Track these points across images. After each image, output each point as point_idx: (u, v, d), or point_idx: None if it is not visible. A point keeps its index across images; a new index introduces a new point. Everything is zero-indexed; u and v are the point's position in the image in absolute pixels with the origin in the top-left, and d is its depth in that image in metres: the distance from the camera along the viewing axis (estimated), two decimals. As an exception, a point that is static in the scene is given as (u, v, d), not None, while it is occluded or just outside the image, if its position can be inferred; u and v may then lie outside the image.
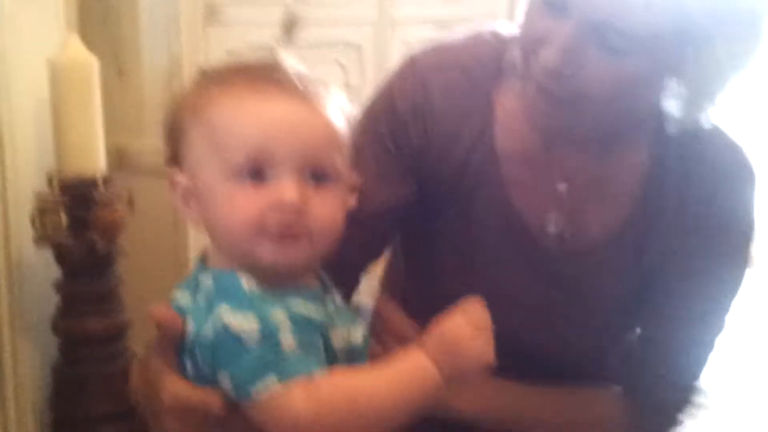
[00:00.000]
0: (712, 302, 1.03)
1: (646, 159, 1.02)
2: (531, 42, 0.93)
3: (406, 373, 0.81)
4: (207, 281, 0.83)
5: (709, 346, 1.07)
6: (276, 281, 0.83)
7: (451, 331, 0.81)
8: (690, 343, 1.05)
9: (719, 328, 1.06)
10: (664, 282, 1.02)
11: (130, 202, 1.93)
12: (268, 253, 0.83)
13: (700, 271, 1.01)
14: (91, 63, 1.75)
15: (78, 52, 1.74)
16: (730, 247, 1.02)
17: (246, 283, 0.81)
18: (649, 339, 1.06)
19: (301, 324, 0.80)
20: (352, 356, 0.86)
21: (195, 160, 0.86)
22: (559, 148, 1.01)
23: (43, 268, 1.85)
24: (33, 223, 1.78)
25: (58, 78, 1.73)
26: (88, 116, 1.75)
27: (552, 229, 1.02)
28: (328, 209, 0.85)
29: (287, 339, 0.78)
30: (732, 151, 1.02)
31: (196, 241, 2.03)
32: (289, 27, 0.88)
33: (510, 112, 1.02)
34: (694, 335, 1.04)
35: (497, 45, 1.04)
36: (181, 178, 0.87)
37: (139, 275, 1.98)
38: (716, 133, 1.02)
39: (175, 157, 0.88)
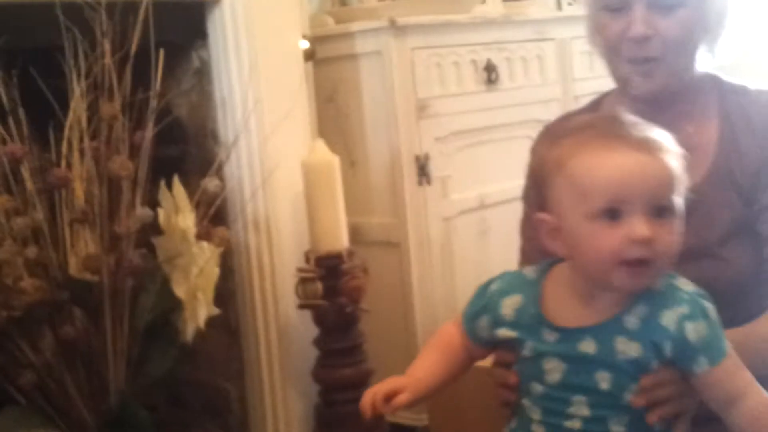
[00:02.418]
0: None
1: (717, 116, 1.30)
2: (615, 38, 1.26)
3: None
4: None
5: None
6: None
7: None
8: None
9: None
10: (762, 189, 1.25)
11: (366, 271, 2.26)
12: (623, 279, 0.97)
13: None
14: (333, 162, 2.07)
15: (323, 153, 2.07)
16: None
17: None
18: None
19: None
20: None
21: (560, 204, 0.99)
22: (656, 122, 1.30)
23: (304, 328, 2.14)
24: (296, 291, 2.09)
25: (310, 176, 2.06)
26: (333, 204, 2.06)
27: None
28: (669, 239, 0.97)
29: None
30: (766, 92, 1.31)
31: (419, 299, 2.29)
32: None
33: None
34: None
35: (596, 99, 1.40)
36: (548, 218, 1.01)
37: (375, 330, 2.22)
38: (749, 88, 1.32)
39: (539, 201, 1.03)
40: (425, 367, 1.09)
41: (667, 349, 0.99)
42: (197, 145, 2.24)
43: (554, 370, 1.02)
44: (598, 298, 1.02)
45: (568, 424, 1.02)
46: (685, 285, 1.03)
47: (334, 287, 2.07)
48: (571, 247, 1.00)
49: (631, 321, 1.00)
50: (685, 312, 1.00)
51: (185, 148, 2.27)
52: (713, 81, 1.33)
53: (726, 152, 1.29)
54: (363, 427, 2.03)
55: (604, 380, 1.00)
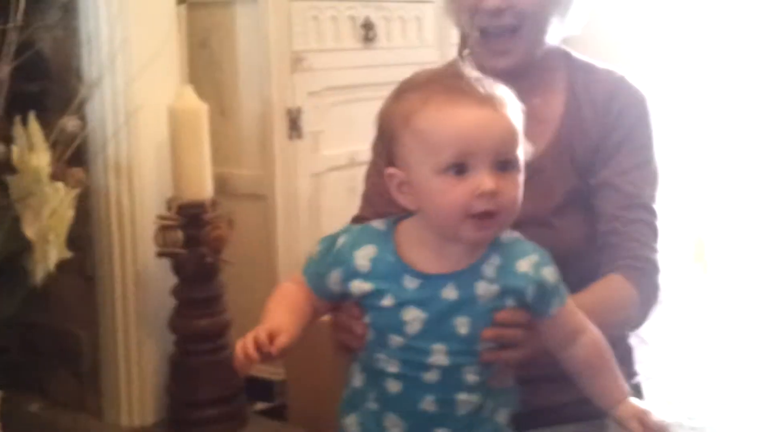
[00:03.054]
0: (640, 156, 1.32)
1: (563, 90, 1.35)
2: (469, 6, 1.28)
3: None
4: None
5: (652, 175, 1.31)
6: None
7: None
8: (636, 180, 1.30)
9: (654, 170, 1.32)
10: (600, 167, 1.31)
11: (230, 222, 2.24)
12: (470, 232, 1.00)
13: (621, 142, 1.31)
14: (201, 109, 2.03)
15: (191, 100, 2.03)
16: (639, 120, 1.33)
17: None
18: (606, 195, 1.29)
19: None
20: None
21: (408, 159, 1.01)
22: None
23: (162, 276, 2.11)
24: (155, 239, 2.05)
25: (176, 122, 2.02)
26: (199, 152, 2.02)
27: None
28: (513, 192, 1.01)
29: None
30: (613, 73, 1.37)
31: (284, 254, 2.28)
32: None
33: None
34: (637, 175, 1.30)
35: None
36: (397, 173, 1.02)
37: (239, 283, 2.21)
38: (597, 66, 1.37)
39: (388, 156, 1.05)
40: (283, 321, 1.05)
41: (529, 293, 1.04)
42: (60, 83, 2.16)
43: (415, 320, 1.02)
44: (449, 250, 1.04)
45: (427, 376, 1.03)
46: (524, 239, 1.09)
47: (195, 236, 2.05)
48: (420, 200, 1.02)
49: (488, 269, 1.03)
50: (537, 259, 1.05)
51: (47, 85, 2.17)
52: (563, 56, 1.37)
53: (569, 127, 1.34)
54: (218, 378, 2.08)
55: (463, 325, 1.02)
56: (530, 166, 1.31)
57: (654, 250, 1.30)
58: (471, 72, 1.05)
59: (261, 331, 0.99)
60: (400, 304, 1.03)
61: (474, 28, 1.31)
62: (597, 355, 1.07)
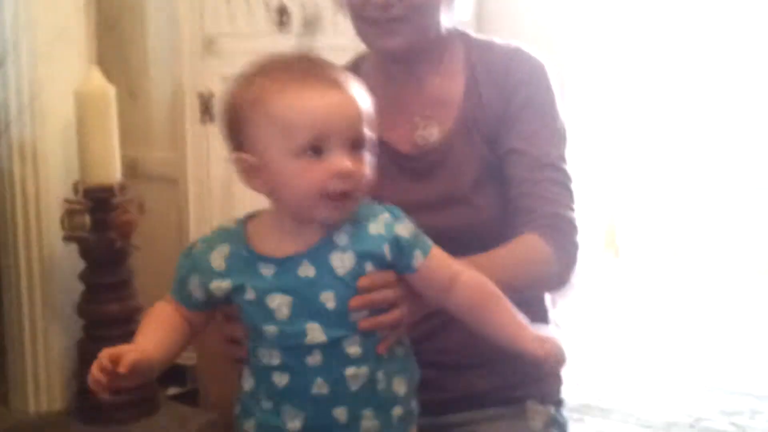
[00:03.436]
0: (543, 119, 1.33)
1: (462, 70, 1.36)
2: (359, 2, 1.26)
3: None
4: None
5: (557, 136, 1.32)
6: None
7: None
8: (539, 142, 1.30)
9: (558, 131, 1.33)
10: (505, 136, 1.32)
11: (141, 206, 2.22)
12: (326, 212, 1.00)
13: (521, 108, 1.32)
14: (109, 92, 2.02)
15: (98, 82, 2.01)
16: (537, 85, 1.34)
17: None
18: (514, 161, 1.29)
19: None
20: None
21: (260, 142, 0.99)
22: (409, 88, 1.34)
23: (69, 261, 2.09)
24: (62, 223, 2.04)
25: (83, 105, 2.00)
26: (106, 136, 2.01)
27: (413, 144, 1.33)
28: (366, 171, 1.01)
29: None
30: (509, 45, 1.38)
31: (196, 237, 2.32)
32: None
33: (369, 83, 1.36)
34: (540, 136, 1.31)
35: (354, 59, 1.42)
36: (247, 157, 1.00)
37: (149, 267, 2.18)
38: (495, 42, 1.38)
39: (236, 141, 1.02)
40: (150, 341, 1.03)
41: (387, 252, 1.04)
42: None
43: (282, 305, 1.03)
44: (303, 228, 1.04)
45: (310, 360, 1.03)
46: (372, 202, 1.09)
47: (103, 221, 2.04)
48: (275, 183, 1.02)
49: (340, 238, 1.04)
50: (388, 217, 1.06)
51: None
52: (461, 37, 1.39)
53: (471, 104, 1.35)
54: None
55: (329, 300, 1.02)
56: (440, 146, 1.34)
57: (568, 207, 1.30)
58: (318, 58, 1.06)
59: (103, 356, 0.98)
60: (263, 293, 1.03)
61: (365, 21, 1.31)
62: (478, 292, 1.07)
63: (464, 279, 1.07)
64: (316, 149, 0.99)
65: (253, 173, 1.02)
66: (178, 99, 2.24)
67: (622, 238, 3.49)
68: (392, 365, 1.07)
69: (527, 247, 1.25)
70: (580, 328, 2.90)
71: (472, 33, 1.41)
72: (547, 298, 1.44)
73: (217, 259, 1.03)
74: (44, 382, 2.16)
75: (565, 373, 1.39)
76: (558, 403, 1.38)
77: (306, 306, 1.02)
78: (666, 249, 3.42)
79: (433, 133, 1.35)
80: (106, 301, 2.09)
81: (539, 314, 1.40)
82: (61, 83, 2.05)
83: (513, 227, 1.28)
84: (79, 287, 2.10)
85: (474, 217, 1.31)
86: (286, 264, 1.02)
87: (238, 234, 1.05)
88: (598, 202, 3.30)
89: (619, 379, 2.61)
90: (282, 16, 2.42)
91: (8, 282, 2.15)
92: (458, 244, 1.27)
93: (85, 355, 2.13)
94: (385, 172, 1.33)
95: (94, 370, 0.97)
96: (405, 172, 1.35)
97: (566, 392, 1.38)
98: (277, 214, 1.05)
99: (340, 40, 2.50)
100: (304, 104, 0.99)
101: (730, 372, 2.60)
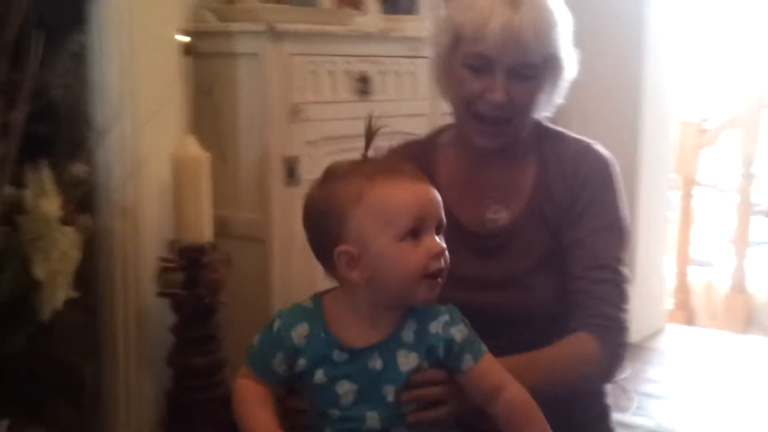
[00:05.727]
0: (606, 219, 1.41)
1: (535, 160, 1.45)
2: (472, 95, 1.38)
3: None
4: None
5: (617, 237, 1.40)
6: None
7: None
8: (601, 241, 1.39)
9: (620, 231, 1.41)
10: (568, 229, 1.40)
11: (228, 262, 2.33)
12: (425, 291, 1.10)
13: (587, 205, 1.40)
14: (202, 158, 2.13)
15: (193, 149, 2.13)
16: (604, 183, 1.43)
17: None
18: (574, 255, 1.38)
19: None
20: None
21: (364, 235, 1.09)
22: (484, 170, 1.44)
23: (162, 314, 2.19)
24: (156, 280, 2.15)
25: (179, 169, 2.12)
26: (199, 199, 2.12)
27: (482, 224, 1.43)
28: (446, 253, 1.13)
29: None
30: (580, 141, 1.47)
31: (279, 294, 2.34)
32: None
33: (445, 158, 1.46)
34: (602, 236, 1.40)
35: (434, 132, 1.54)
36: (349, 248, 1.10)
37: (235, 322, 2.26)
38: (566, 135, 1.48)
39: (330, 237, 1.11)
40: (273, 423, 1.13)
41: (440, 351, 1.13)
42: (70, 128, 2.26)
43: (348, 392, 1.12)
44: (378, 318, 1.14)
45: None
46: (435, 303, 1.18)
47: (194, 278, 2.14)
48: (376, 269, 1.10)
49: (407, 335, 1.14)
50: (447, 319, 1.15)
51: (58, 130, 2.28)
52: (535, 126, 1.48)
53: (540, 193, 1.44)
54: (212, 414, 2.15)
55: (390, 393, 1.12)
56: (507, 229, 1.43)
57: (619, 308, 1.37)
58: (383, 157, 1.19)
59: None
60: (333, 379, 1.12)
61: (470, 113, 1.41)
62: (519, 412, 1.14)
63: (509, 394, 1.15)
64: (415, 233, 1.10)
65: (352, 264, 1.11)
66: (264, 162, 2.34)
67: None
68: None
69: (577, 347, 1.34)
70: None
71: (544, 122, 1.50)
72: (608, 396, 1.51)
73: (298, 336, 1.14)
74: (135, 428, 2.26)
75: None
76: None
77: (369, 395, 1.12)
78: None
79: (502, 217, 1.45)
80: (195, 354, 2.18)
81: (601, 413, 1.46)
82: (159, 149, 2.17)
83: (566, 318, 1.37)
84: (171, 339, 2.20)
85: (530, 300, 1.40)
86: (357, 354, 1.12)
87: (316, 315, 1.15)
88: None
89: None
90: (364, 84, 2.55)
91: (105, 331, 2.26)
92: (513, 322, 1.38)
93: (172, 403, 2.23)
94: (452, 247, 1.44)
95: None
96: (471, 249, 1.44)
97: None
98: (353, 301, 1.14)
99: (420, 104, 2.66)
100: (405, 195, 1.10)
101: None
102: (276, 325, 1.15)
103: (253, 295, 2.38)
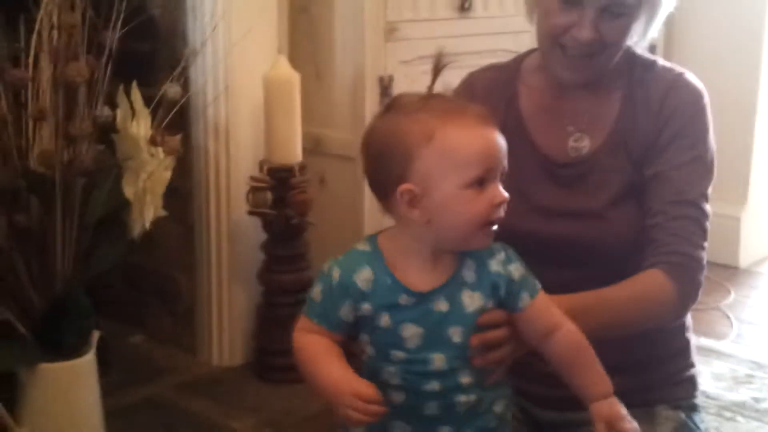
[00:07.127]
0: (692, 152, 1.34)
1: (622, 88, 1.38)
2: (560, 29, 1.31)
3: None
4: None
5: (703, 172, 1.34)
6: None
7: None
8: (685, 175, 1.32)
9: (705, 165, 1.35)
10: (652, 161, 1.34)
11: (322, 181, 2.34)
12: (483, 239, 1.08)
13: (673, 137, 1.34)
14: (294, 78, 2.14)
15: (285, 70, 2.14)
16: (692, 115, 1.36)
17: None
18: (655, 188, 1.32)
19: None
20: None
21: (428, 174, 1.06)
22: (567, 98, 1.39)
23: (253, 232, 2.25)
24: (247, 198, 2.19)
25: (270, 90, 2.13)
26: (290, 120, 2.14)
27: (564, 152, 1.38)
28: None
29: None
30: (671, 70, 1.40)
31: (370, 214, 2.34)
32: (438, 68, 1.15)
33: (529, 84, 1.40)
34: (687, 170, 1.33)
35: (518, 57, 1.47)
36: (413, 187, 1.06)
37: (327, 238, 2.31)
38: (658, 63, 1.40)
39: (394, 174, 1.07)
40: (346, 377, 1.08)
41: (502, 288, 1.11)
42: (167, 45, 2.30)
43: (414, 335, 1.11)
44: (438, 259, 1.11)
45: (428, 386, 1.11)
46: None
47: (282, 198, 2.17)
48: (437, 213, 1.08)
49: (468, 275, 1.11)
50: (503, 257, 1.13)
51: (156, 46, 2.32)
52: (625, 53, 1.39)
53: (624, 123, 1.37)
54: None
55: (456, 334, 1.11)
56: (589, 159, 1.37)
57: (698, 246, 1.31)
58: (450, 96, 1.14)
59: (355, 402, 1.05)
60: (398, 322, 1.10)
61: (556, 45, 1.35)
62: (573, 351, 1.12)
63: (563, 332, 1.13)
64: (482, 181, 1.06)
65: (414, 203, 1.08)
66: (359, 82, 2.32)
67: None
68: (495, 391, 1.16)
69: (650, 286, 1.29)
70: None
71: (638, 50, 1.41)
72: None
73: (363, 281, 1.10)
74: (227, 339, 2.35)
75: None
76: (691, 408, 1.40)
77: (435, 338, 1.11)
78: None
79: (585, 146, 1.39)
80: (283, 272, 2.23)
81: (682, 346, 1.42)
82: (253, 68, 2.18)
83: (642, 253, 1.31)
84: (261, 257, 2.26)
85: (607, 232, 1.35)
86: (423, 297, 1.11)
87: (377, 258, 1.12)
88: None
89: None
90: (464, 1, 2.47)
91: (200, 245, 2.34)
92: (588, 255, 1.33)
93: (262, 317, 2.31)
94: (531, 175, 1.40)
95: (358, 415, 1.05)
96: (550, 178, 1.39)
97: (720, 390, 1.37)
98: (412, 241, 1.11)
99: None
100: (476, 141, 1.06)
101: None
102: (336, 274, 1.12)
103: (345, 213, 2.40)
